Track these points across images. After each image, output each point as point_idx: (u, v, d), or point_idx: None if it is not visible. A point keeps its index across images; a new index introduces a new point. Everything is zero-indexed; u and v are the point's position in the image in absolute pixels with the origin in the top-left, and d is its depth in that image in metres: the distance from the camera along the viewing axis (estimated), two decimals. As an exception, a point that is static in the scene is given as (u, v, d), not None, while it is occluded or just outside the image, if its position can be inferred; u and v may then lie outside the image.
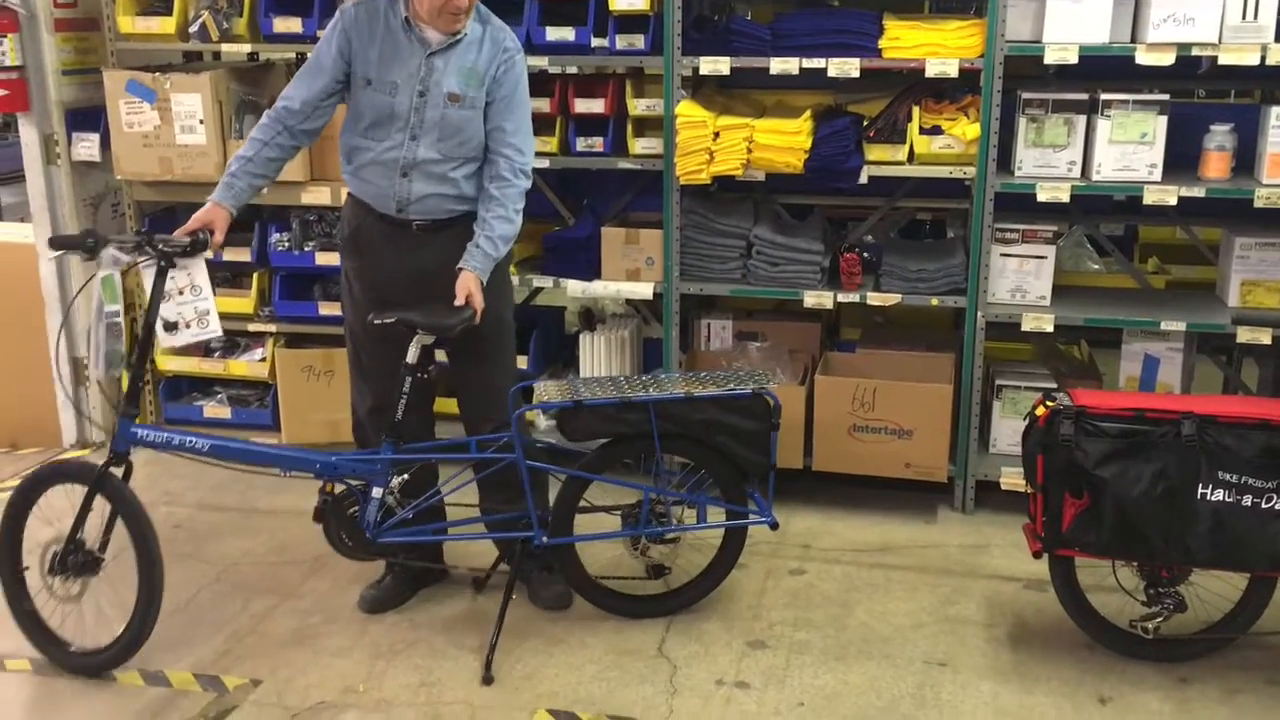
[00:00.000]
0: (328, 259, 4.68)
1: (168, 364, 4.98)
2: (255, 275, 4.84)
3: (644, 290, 4.47)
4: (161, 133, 4.61)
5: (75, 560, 3.28)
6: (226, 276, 5.04)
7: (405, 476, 3.43)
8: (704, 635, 3.55)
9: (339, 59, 3.33)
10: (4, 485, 4.68)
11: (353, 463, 3.38)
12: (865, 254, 4.41)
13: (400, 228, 3.38)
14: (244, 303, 4.85)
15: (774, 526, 3.58)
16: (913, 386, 4.27)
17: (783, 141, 4.13)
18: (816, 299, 4.32)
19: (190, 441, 3.35)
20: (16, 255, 4.96)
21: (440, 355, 3.54)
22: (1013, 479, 4.23)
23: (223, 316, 4.79)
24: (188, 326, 3.41)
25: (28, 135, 4.75)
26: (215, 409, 5.01)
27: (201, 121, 4.56)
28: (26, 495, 3.36)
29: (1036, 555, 3.31)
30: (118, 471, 3.31)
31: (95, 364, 3.31)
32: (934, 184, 4.38)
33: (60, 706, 3.22)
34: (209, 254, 3.36)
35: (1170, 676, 3.31)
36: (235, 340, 5.07)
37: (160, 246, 3.25)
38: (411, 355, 3.30)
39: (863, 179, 4.18)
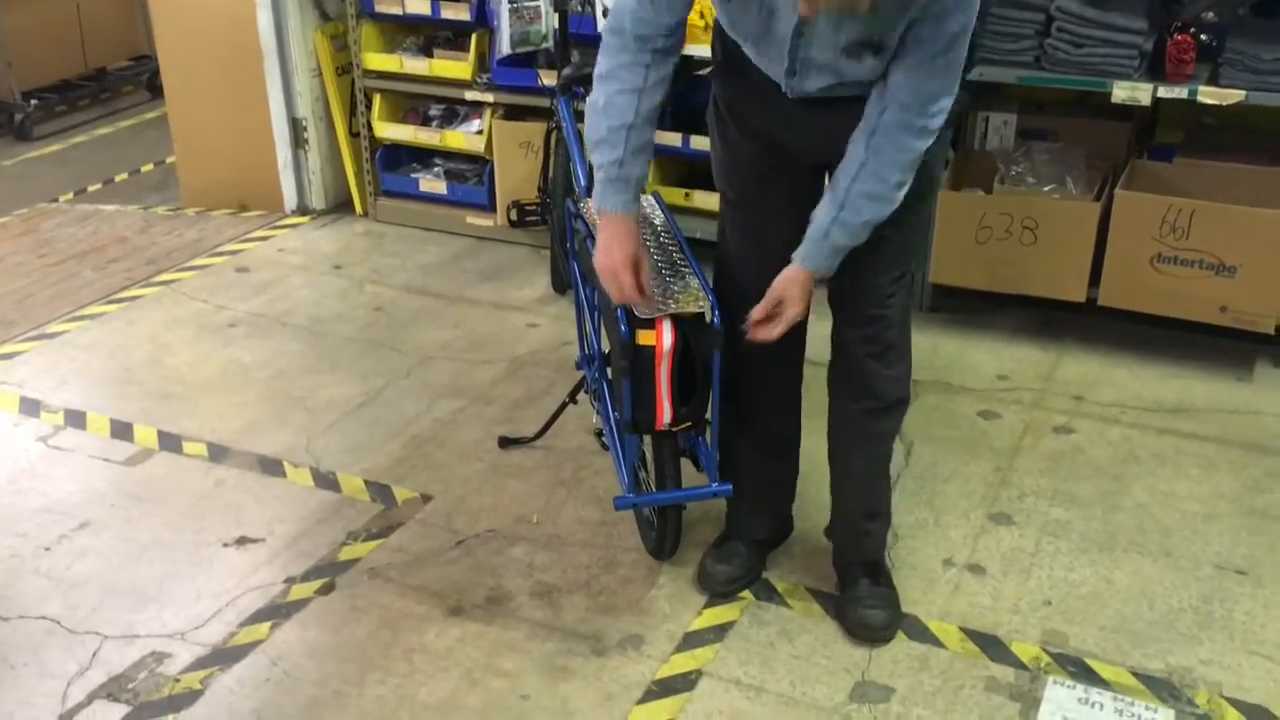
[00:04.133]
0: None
1: (385, 131, 4.64)
2: (474, 36, 4.35)
3: (910, 72, 3.68)
4: None
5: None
6: (449, 36, 4.59)
7: None
8: (935, 499, 2.97)
9: None
10: (222, 248, 4.55)
11: None
12: (1202, 36, 3.44)
13: None
14: (461, 67, 4.39)
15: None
16: (1244, 211, 3.36)
17: (1109, -118, 3.19)
18: (1130, 92, 3.43)
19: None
20: (232, 4, 4.65)
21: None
22: (1364, 338, 3.33)
23: (438, 82, 4.48)
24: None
25: None
26: (431, 183, 4.66)
27: None
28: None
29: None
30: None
31: (500, 43, 3.88)
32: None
33: (225, 495, 3.04)
34: None
35: None
36: (454, 109, 4.66)
37: None
38: None
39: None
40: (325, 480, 3.11)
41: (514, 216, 3.82)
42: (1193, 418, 3.31)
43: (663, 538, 2.66)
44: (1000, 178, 3.78)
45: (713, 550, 2.70)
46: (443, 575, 2.74)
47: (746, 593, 2.65)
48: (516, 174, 4.32)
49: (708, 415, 2.47)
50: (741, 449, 2.58)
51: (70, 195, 5.54)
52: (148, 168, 5.93)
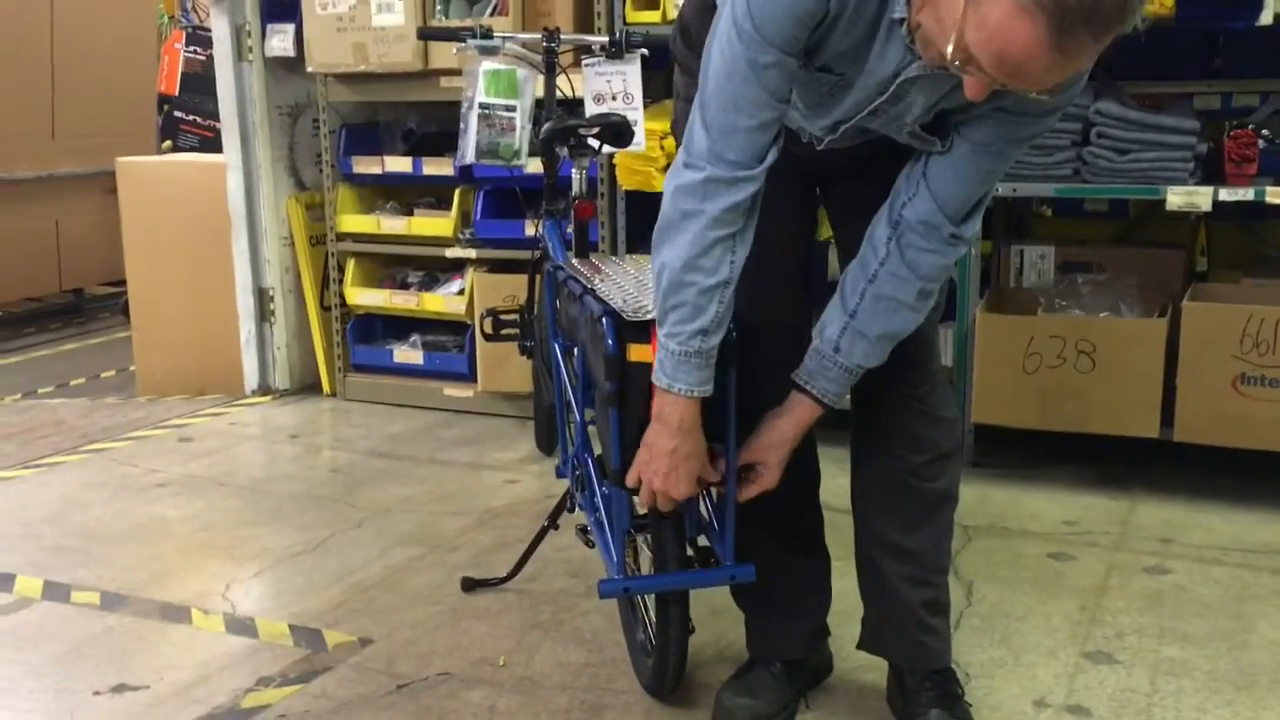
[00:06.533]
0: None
1: (358, 298, 4.24)
2: (457, 192, 4.03)
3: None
4: (357, 14, 3.89)
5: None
6: (431, 201, 4.28)
7: None
8: (1011, 638, 2.34)
9: None
10: (167, 422, 4.05)
11: None
12: (1264, 130, 3.10)
13: None
14: (442, 224, 4.04)
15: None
16: (1338, 318, 2.91)
17: (1143, -32, 2.93)
18: (1187, 198, 3.04)
19: None
20: (205, 175, 4.38)
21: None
22: None
23: (417, 241, 4.14)
24: None
25: (219, 27, 4.16)
26: (406, 353, 4.22)
27: (401, -2, 3.83)
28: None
29: None
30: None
31: (463, 151, 3.36)
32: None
33: (110, 642, 2.39)
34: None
35: None
36: (434, 275, 4.29)
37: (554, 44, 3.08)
38: None
39: (1264, 18, 2.91)
40: (240, 626, 2.48)
41: (488, 329, 3.34)
42: (1312, 558, 2.71)
43: (664, 663, 2.01)
44: (1042, 311, 3.34)
45: (732, 682, 2.05)
46: (374, 723, 2.08)
47: (778, 737, 1.99)
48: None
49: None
50: (762, 543, 1.99)
51: (18, 396, 5.08)
52: (109, 373, 5.51)
